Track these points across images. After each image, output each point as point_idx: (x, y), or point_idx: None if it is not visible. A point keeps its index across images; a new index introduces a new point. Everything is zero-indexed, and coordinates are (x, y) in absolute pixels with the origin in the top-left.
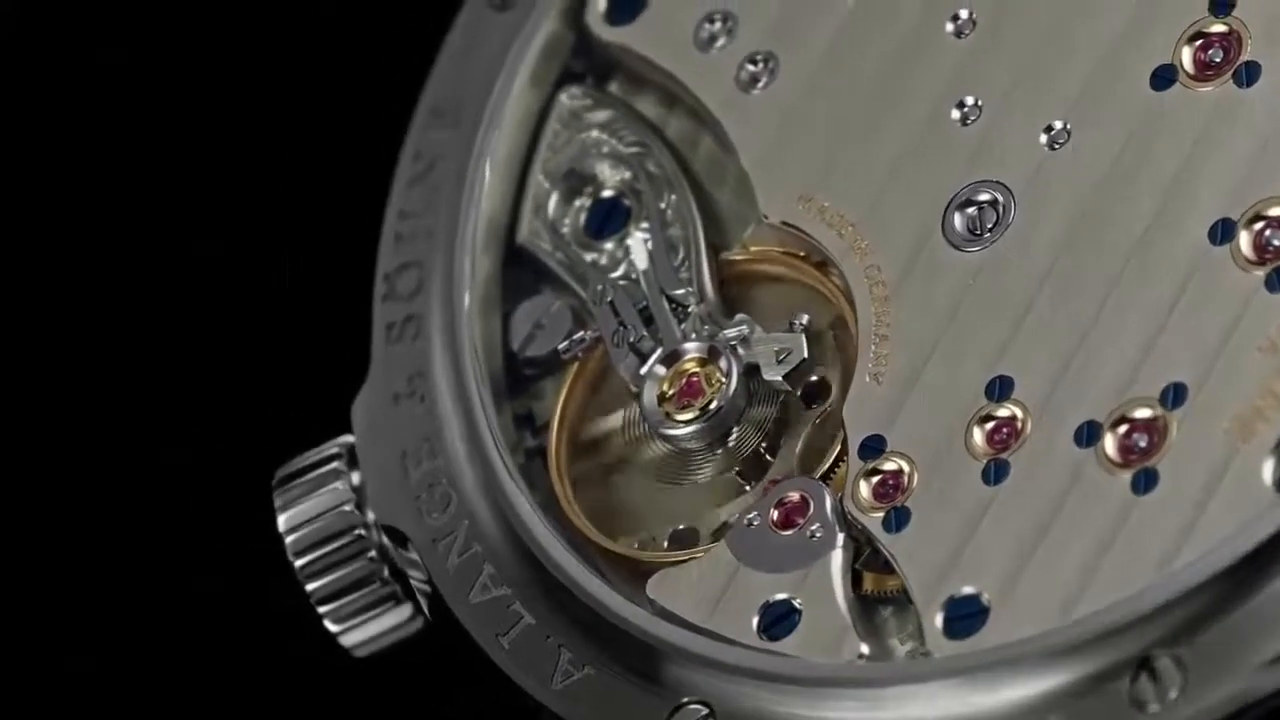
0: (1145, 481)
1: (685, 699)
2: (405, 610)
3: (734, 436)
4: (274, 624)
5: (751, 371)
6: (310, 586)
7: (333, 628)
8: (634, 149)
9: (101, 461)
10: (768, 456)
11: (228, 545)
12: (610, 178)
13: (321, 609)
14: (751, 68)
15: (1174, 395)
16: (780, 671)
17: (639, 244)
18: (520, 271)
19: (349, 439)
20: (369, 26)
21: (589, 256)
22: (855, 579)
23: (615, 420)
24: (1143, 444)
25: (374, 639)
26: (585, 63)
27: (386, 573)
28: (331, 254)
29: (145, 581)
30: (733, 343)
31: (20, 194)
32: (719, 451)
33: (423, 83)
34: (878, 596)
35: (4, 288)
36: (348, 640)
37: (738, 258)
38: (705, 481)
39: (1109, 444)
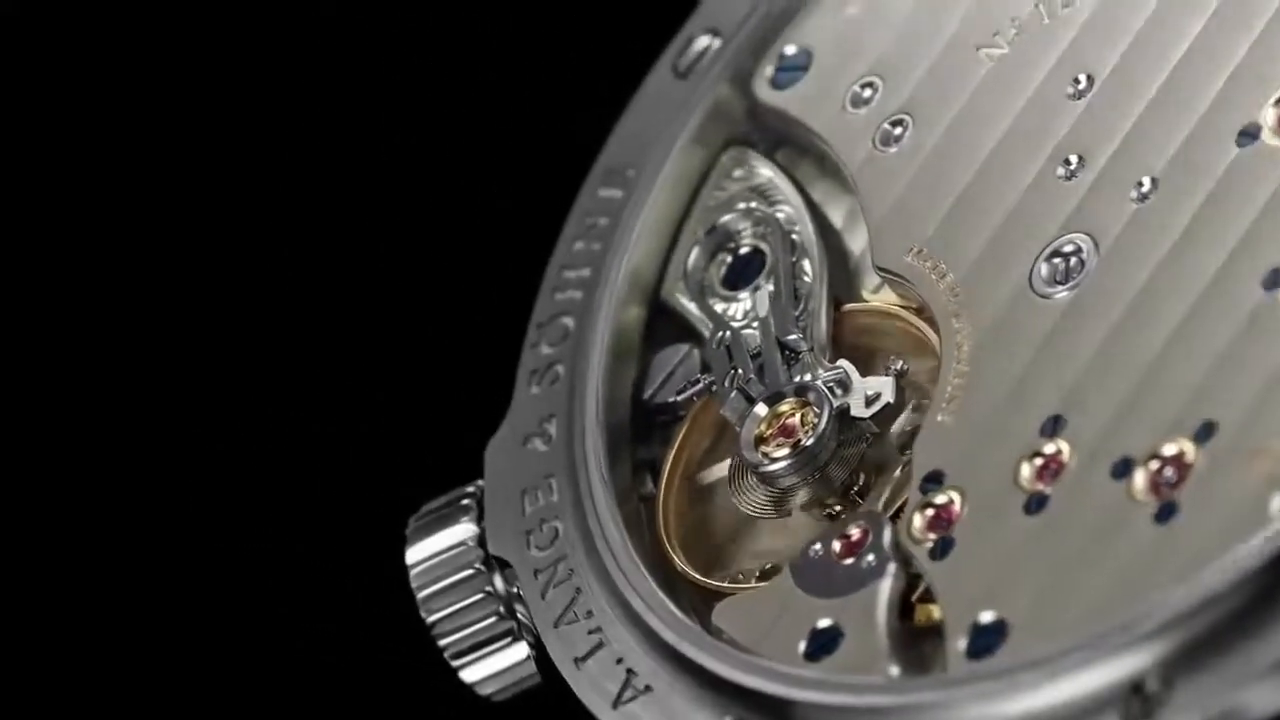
0: (1167, 513)
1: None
2: (522, 649)
3: (824, 474)
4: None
5: (844, 413)
6: (430, 619)
7: (452, 663)
8: (777, 209)
9: (243, 498)
10: (855, 493)
11: (363, 588)
12: (749, 234)
13: (441, 643)
14: (889, 129)
15: (1204, 432)
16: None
17: (764, 294)
18: (663, 323)
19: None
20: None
21: (719, 306)
22: (908, 609)
23: (726, 464)
24: (1170, 478)
25: (493, 677)
26: (752, 128)
27: (503, 609)
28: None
29: (274, 624)
30: (829, 385)
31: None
32: (810, 489)
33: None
34: (927, 626)
35: (130, 333)
36: (468, 676)
37: (854, 308)
38: (795, 517)
39: (1139, 478)
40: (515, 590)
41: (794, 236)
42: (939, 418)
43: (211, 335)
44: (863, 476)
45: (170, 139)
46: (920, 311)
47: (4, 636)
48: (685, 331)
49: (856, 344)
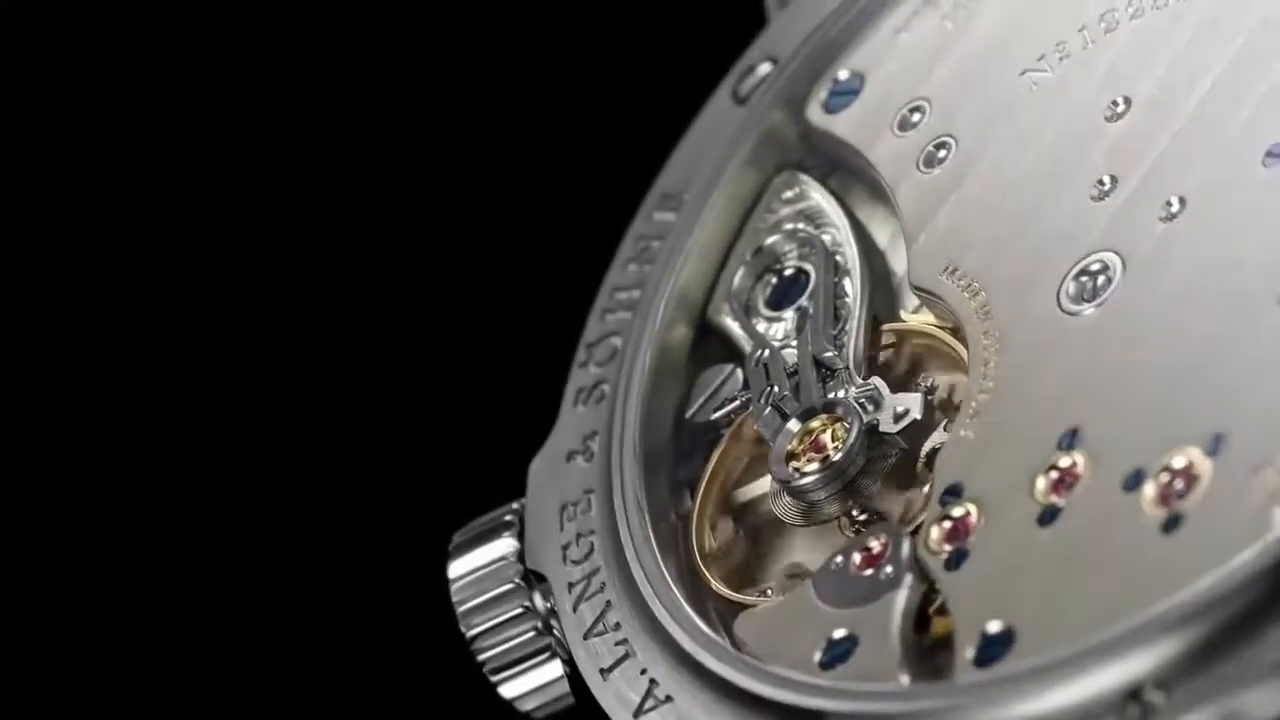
0: (1173, 523)
1: None
2: (556, 667)
3: (852, 488)
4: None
5: (874, 429)
6: (469, 634)
7: (491, 678)
8: (823, 231)
9: (243, 498)
10: (881, 507)
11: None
12: (794, 256)
13: (479, 658)
14: (933, 151)
15: (1215, 444)
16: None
17: (805, 313)
18: (710, 344)
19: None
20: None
21: (762, 326)
22: (925, 621)
23: (761, 481)
24: (1180, 489)
25: (531, 694)
26: (804, 152)
27: (540, 624)
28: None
29: (274, 624)
30: (860, 401)
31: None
32: (837, 503)
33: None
34: (943, 637)
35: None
36: (506, 692)
37: (891, 328)
38: (823, 531)
39: (1149, 489)
40: (551, 605)
41: (838, 258)
42: (961, 432)
43: (214, 336)
44: (891, 491)
45: (171, 139)
46: (955, 330)
47: (3, 637)
48: (730, 351)
49: (893, 362)
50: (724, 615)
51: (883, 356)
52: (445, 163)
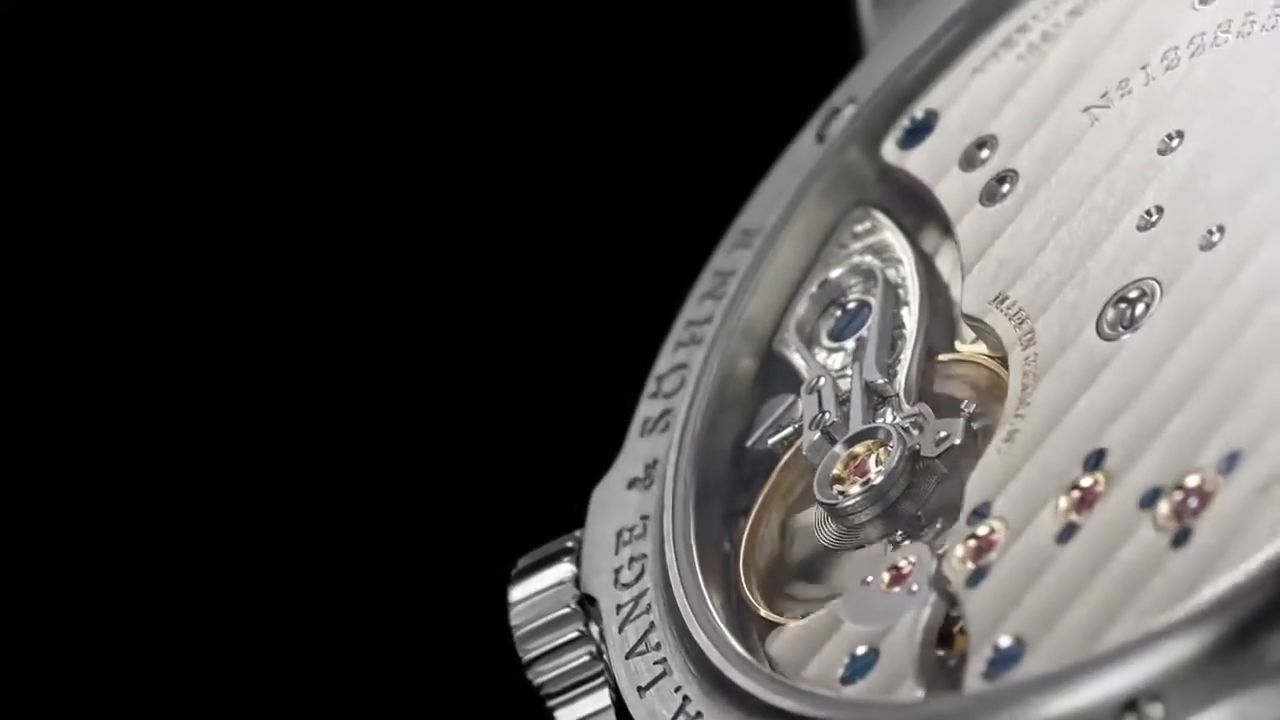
0: (1182, 538)
1: None
2: (604, 696)
3: (893, 511)
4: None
5: (916, 454)
6: (526, 658)
7: (547, 703)
8: (889, 265)
9: (244, 498)
10: (923, 529)
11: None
12: (858, 289)
13: (535, 682)
14: (995, 185)
15: (1228, 463)
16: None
17: (862, 342)
18: (776, 375)
19: None
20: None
21: (821, 356)
22: (949, 638)
23: (812, 508)
24: (1193, 506)
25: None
26: (878, 188)
27: (595, 649)
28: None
29: (274, 623)
30: (904, 427)
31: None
32: (880, 527)
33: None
34: (964, 654)
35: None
36: (563, 718)
37: (945, 358)
38: (868, 554)
39: (1164, 507)
40: (601, 628)
41: (899, 290)
42: (994, 454)
43: (216, 336)
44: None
45: (172, 139)
46: (1004, 359)
47: (3, 637)
48: (795, 382)
49: (944, 391)
50: (765, 637)
51: (935, 386)
52: (534, 187)
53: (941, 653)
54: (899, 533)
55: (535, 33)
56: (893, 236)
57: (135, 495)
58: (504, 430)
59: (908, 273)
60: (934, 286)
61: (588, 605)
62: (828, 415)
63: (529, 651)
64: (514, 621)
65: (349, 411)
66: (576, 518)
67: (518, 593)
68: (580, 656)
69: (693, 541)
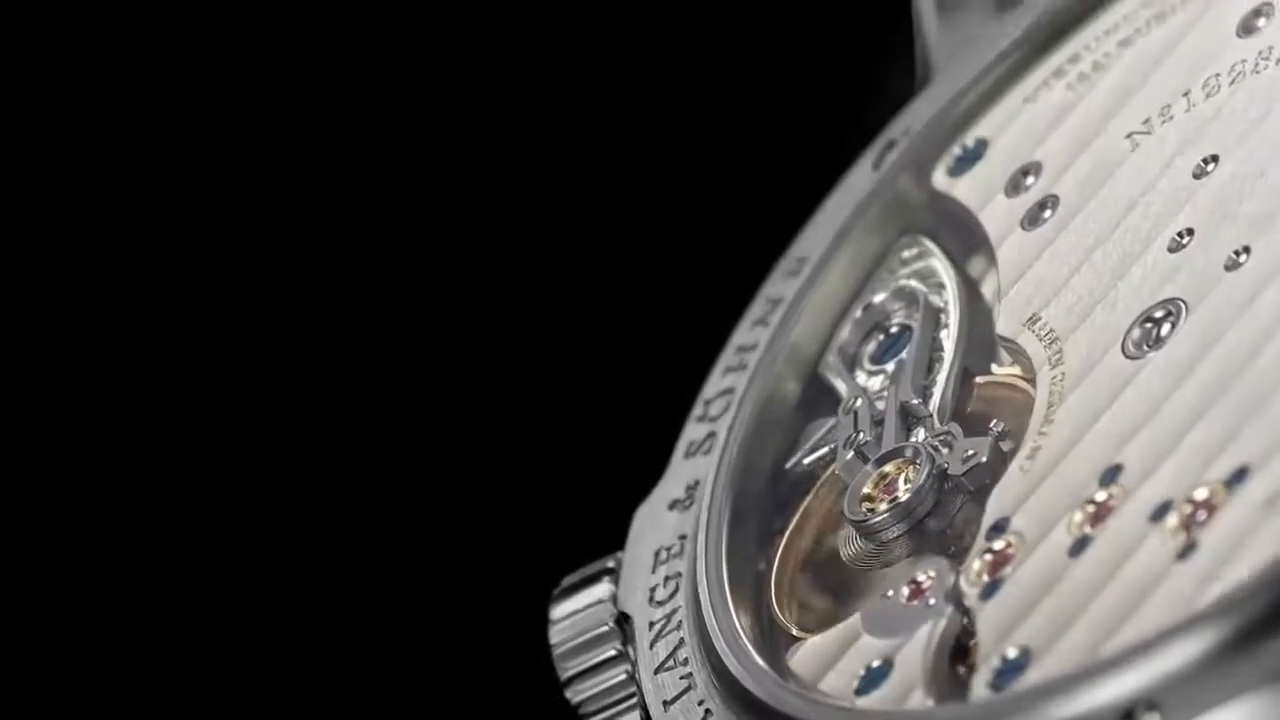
0: (1188, 550)
1: None
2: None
3: (920, 529)
4: None
5: (944, 472)
6: (564, 676)
7: None
8: (933, 290)
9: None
10: (948, 546)
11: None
12: (901, 314)
13: (574, 700)
14: (1037, 210)
15: (1237, 477)
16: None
17: (901, 364)
18: (820, 398)
19: None
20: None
21: (861, 378)
22: (965, 651)
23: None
24: (1201, 519)
25: None
26: (928, 216)
27: (631, 669)
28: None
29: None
30: (934, 446)
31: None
32: (907, 545)
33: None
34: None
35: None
36: None
37: (981, 380)
38: (889, 569)
39: (1173, 520)
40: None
41: (941, 315)
42: (1016, 470)
43: (219, 335)
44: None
45: (173, 139)
46: (1030, 377)
47: (3, 636)
48: (837, 405)
49: (978, 411)
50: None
51: (970, 407)
52: (568, 198)
53: (961, 667)
54: (924, 550)
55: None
56: (938, 262)
57: (135, 495)
58: (545, 451)
59: (950, 297)
60: (976, 311)
61: (625, 624)
62: (862, 435)
63: (567, 670)
64: (553, 639)
65: (351, 411)
66: (619, 539)
67: (558, 611)
68: (617, 675)
69: (724, 558)
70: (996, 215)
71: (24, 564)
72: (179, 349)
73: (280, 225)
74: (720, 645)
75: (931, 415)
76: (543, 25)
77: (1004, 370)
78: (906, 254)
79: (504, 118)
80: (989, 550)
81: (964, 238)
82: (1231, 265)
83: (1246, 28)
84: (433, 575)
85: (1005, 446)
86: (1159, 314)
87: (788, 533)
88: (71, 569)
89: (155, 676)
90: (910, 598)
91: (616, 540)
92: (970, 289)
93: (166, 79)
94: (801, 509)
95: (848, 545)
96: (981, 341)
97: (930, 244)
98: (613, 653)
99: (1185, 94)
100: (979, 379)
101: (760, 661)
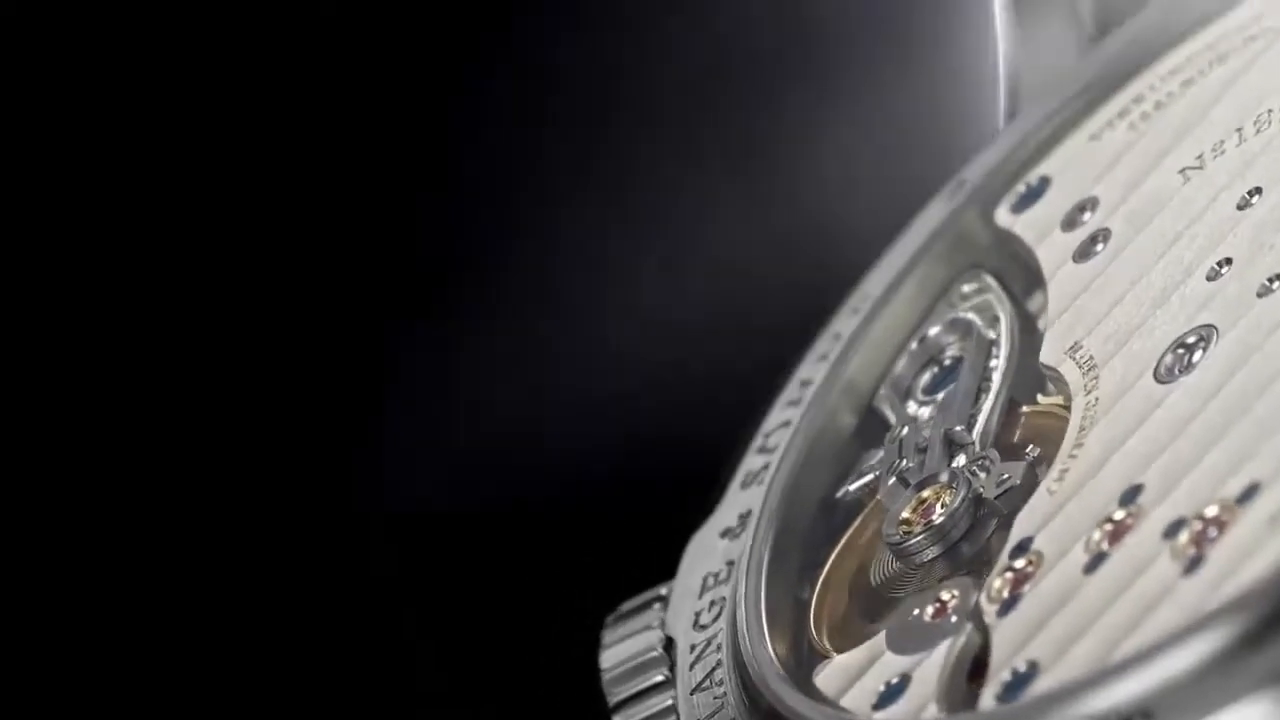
0: (1195, 564)
1: None
2: None
3: (954, 551)
4: None
5: (979, 496)
6: (613, 702)
7: None
8: (988, 323)
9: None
10: (979, 567)
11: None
12: (955, 347)
13: None
14: (1089, 244)
15: (1247, 494)
16: None
17: (948, 393)
18: (875, 429)
19: None
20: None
21: (912, 408)
22: (980, 666)
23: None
24: (1212, 536)
25: None
26: (991, 252)
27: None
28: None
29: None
30: (971, 471)
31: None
32: (942, 566)
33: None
34: None
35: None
36: None
37: (1027, 409)
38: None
39: (1184, 537)
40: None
41: (992, 346)
42: (1044, 492)
43: (223, 335)
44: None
45: (173, 139)
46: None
47: (3, 636)
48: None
49: (1020, 439)
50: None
51: (1013, 435)
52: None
53: (975, 682)
54: (957, 572)
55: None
56: (994, 297)
57: (134, 495)
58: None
59: (1002, 329)
60: (1028, 344)
61: (672, 650)
62: (905, 462)
63: (616, 695)
64: (604, 665)
65: (350, 411)
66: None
67: (609, 637)
68: (665, 700)
69: (764, 582)
70: (1052, 249)
71: (23, 563)
72: (178, 345)
73: (292, 224)
74: (750, 662)
75: (973, 442)
76: None
77: (1048, 400)
78: (967, 289)
79: None
80: (1010, 569)
81: (1024, 273)
82: (1264, 292)
83: None
84: (433, 575)
85: (1040, 470)
86: (1191, 340)
87: (831, 559)
88: (71, 570)
89: (156, 676)
90: (934, 616)
91: (653, 568)
92: (1025, 322)
93: (166, 79)
94: (846, 536)
95: (885, 568)
96: (1029, 372)
97: (990, 279)
98: (660, 679)
99: (1238, 129)
100: (1025, 408)
101: (784, 676)
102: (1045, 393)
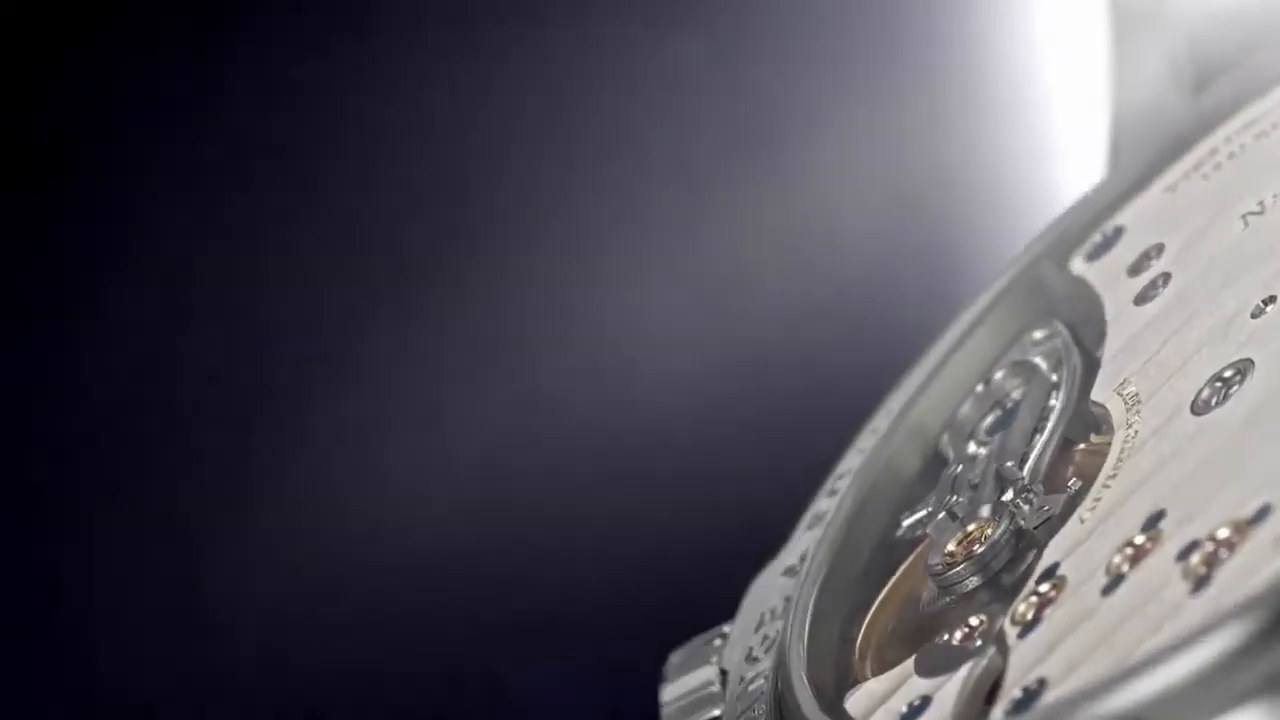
0: (1202, 583)
1: None
2: None
3: (994, 581)
4: None
5: (1020, 529)
6: None
7: None
8: (1051, 365)
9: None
10: (1020, 598)
11: None
12: (1018, 389)
13: None
14: (1149, 288)
15: (1259, 515)
16: None
17: (1005, 432)
18: (937, 472)
19: None
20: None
21: (971, 447)
22: (998, 687)
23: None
24: (1223, 557)
25: None
26: (1065, 301)
27: None
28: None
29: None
30: (1015, 504)
31: None
32: (982, 596)
33: None
34: None
35: None
36: None
37: (1081, 447)
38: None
39: (1196, 558)
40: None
41: (1054, 390)
42: (1077, 521)
43: (230, 336)
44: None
45: (174, 139)
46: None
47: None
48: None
49: (1067, 475)
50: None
51: (1065, 473)
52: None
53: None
54: (995, 601)
55: None
56: (1064, 342)
57: (135, 494)
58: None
59: (1065, 373)
60: (1088, 385)
61: (728, 686)
62: (956, 498)
63: None
64: (663, 698)
65: (350, 409)
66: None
67: (670, 673)
68: None
69: (809, 615)
70: (1117, 294)
71: (23, 563)
72: (178, 340)
73: (304, 225)
74: (786, 690)
75: (1023, 478)
76: None
77: (1099, 439)
78: (1039, 334)
79: None
80: (1035, 593)
81: (1094, 319)
82: None
83: None
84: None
85: (1079, 502)
86: (1229, 374)
87: (882, 594)
88: (69, 569)
89: (155, 676)
90: (962, 640)
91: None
92: (1089, 365)
93: (166, 79)
94: (899, 571)
95: (930, 602)
96: (1085, 412)
97: (1061, 326)
98: (716, 713)
99: None
100: (1079, 446)
101: (814, 701)
102: (1099, 432)
